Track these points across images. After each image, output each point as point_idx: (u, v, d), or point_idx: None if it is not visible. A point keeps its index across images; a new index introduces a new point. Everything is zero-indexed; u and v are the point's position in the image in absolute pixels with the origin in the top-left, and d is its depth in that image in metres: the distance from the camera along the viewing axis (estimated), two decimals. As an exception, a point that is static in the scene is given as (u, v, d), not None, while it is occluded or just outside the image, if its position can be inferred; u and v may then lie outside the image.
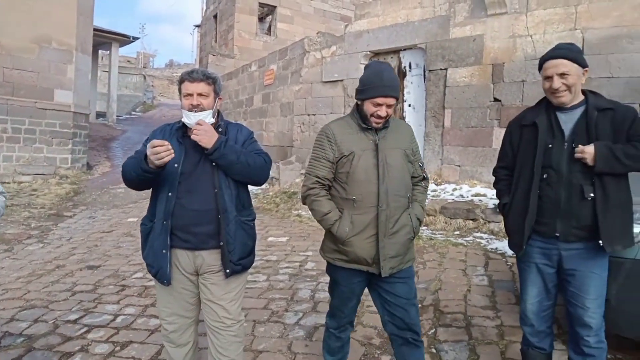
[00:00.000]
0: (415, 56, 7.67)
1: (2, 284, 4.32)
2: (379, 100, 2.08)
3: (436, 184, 6.93)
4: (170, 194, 2.05)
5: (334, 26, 17.37)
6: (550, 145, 2.09)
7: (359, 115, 2.18)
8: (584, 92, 2.13)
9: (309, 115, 9.64)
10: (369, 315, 3.37)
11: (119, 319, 3.45)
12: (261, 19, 18.38)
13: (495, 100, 6.51)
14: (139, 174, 2.01)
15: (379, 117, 2.11)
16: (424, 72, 7.48)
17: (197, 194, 2.05)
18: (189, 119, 2.06)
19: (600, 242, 1.97)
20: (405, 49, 7.78)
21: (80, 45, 10.70)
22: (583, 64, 2.07)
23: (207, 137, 2.00)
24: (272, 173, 9.20)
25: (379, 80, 2.09)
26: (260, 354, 2.88)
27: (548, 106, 2.17)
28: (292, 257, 4.89)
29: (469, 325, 3.11)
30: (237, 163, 2.06)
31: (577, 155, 2.00)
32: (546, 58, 2.12)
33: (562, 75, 2.03)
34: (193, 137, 2.02)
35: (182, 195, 2.05)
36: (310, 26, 17.23)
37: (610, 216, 1.98)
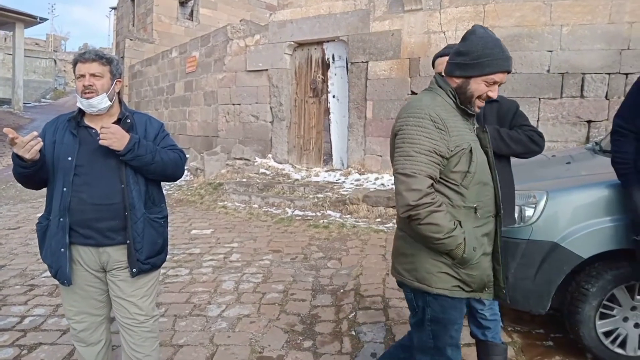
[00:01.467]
0: (338, 48, 7.81)
1: None
2: (498, 77, 1.62)
3: (360, 174, 7.15)
4: (65, 189, 1.93)
5: (260, 14, 17.15)
6: None
7: (458, 95, 1.67)
8: None
9: (233, 104, 9.48)
10: (292, 303, 3.44)
11: (26, 321, 3.22)
12: (182, 3, 17.65)
13: (413, 93, 6.82)
14: (19, 171, 1.89)
15: (488, 99, 1.69)
16: (347, 64, 7.65)
17: (98, 187, 1.95)
18: (82, 103, 1.94)
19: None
20: (328, 41, 7.90)
21: (-24, 24, 9.66)
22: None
23: (117, 140, 1.88)
24: (196, 164, 8.97)
25: (500, 52, 1.60)
26: (180, 348, 2.83)
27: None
28: (216, 249, 4.84)
29: (386, 307, 3.28)
30: (152, 163, 1.97)
31: None
32: (437, 56, 2.34)
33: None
34: (101, 142, 1.88)
35: (81, 189, 1.94)
36: (235, 13, 16.88)
37: (502, 195, 2.20)
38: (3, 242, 5.27)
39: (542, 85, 5.93)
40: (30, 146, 1.79)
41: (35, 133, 1.82)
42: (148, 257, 2.03)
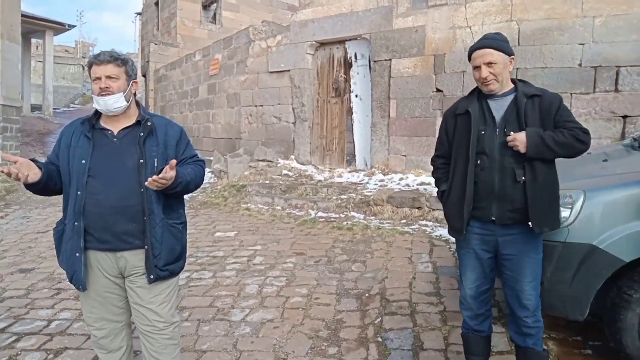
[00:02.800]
0: (361, 47, 7.70)
1: None
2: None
3: (383, 174, 7.02)
4: (79, 192, 1.90)
5: (282, 15, 17.16)
6: (482, 132, 2.16)
7: None
8: (513, 80, 2.21)
9: (256, 106, 9.48)
10: (316, 308, 3.37)
11: (53, 325, 3.25)
12: (206, 7, 17.82)
13: (438, 90, 6.66)
14: (26, 188, 1.88)
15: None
16: (370, 62, 7.53)
17: (114, 189, 1.91)
18: (98, 104, 1.92)
19: (530, 223, 2.06)
20: (350, 39, 7.80)
21: (7, 33, 9.94)
22: (509, 52, 2.14)
23: (167, 182, 1.86)
24: (220, 166, 9.01)
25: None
26: (204, 354, 2.80)
27: (480, 95, 2.24)
28: (240, 252, 4.81)
29: (413, 312, 3.17)
30: (188, 191, 2.01)
31: (510, 142, 2.07)
32: (474, 48, 2.18)
33: (489, 64, 2.10)
34: (153, 187, 1.86)
35: (98, 191, 1.90)
36: (257, 15, 16.92)
37: (538, 199, 2.07)
38: (32, 246, 5.38)
39: (574, 80, 5.69)
40: (23, 174, 1.77)
41: (26, 161, 1.80)
42: (166, 264, 1.99)
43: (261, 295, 3.65)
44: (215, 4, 17.79)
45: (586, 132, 2.11)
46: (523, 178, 2.08)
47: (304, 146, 8.60)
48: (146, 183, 1.83)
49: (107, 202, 1.89)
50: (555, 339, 2.80)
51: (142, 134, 1.96)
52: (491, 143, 2.13)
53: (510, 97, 2.17)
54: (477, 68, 2.14)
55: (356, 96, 7.86)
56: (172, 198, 2.04)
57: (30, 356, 2.82)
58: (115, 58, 1.91)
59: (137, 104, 2.07)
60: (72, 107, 23.15)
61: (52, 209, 7.43)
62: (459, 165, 2.23)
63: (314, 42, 8.26)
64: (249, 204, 7.07)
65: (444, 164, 2.39)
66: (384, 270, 3.98)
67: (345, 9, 7.75)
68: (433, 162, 2.48)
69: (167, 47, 15.98)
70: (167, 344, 2.07)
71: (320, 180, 7.50)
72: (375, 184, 6.74)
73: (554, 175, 2.16)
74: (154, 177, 1.80)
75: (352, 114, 7.95)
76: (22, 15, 11.52)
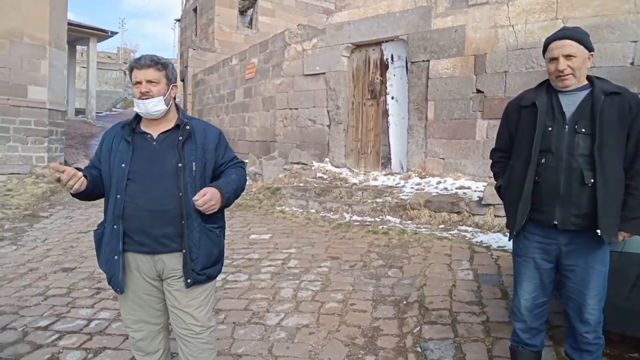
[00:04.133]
0: (397, 48, 7.58)
1: (-29, 289, 4.13)
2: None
3: (420, 177, 6.87)
4: (118, 196, 1.91)
5: (317, 19, 17.20)
6: (549, 128, 1.99)
7: None
8: (589, 77, 2.04)
9: (291, 109, 9.50)
10: (352, 314, 3.28)
11: (92, 324, 3.30)
12: (242, 12, 18.10)
13: (478, 91, 6.46)
14: (72, 194, 1.92)
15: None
16: (406, 64, 7.40)
17: (153, 193, 1.91)
18: (139, 107, 1.93)
19: (598, 231, 1.90)
20: (386, 41, 7.69)
21: (54, 40, 10.36)
22: (590, 47, 1.98)
23: (217, 203, 1.91)
24: (255, 169, 9.06)
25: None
26: (239, 358, 2.77)
27: (549, 88, 2.07)
28: (274, 255, 4.78)
29: (454, 322, 3.04)
30: (237, 197, 2.07)
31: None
32: (552, 39, 2.02)
33: (568, 56, 1.94)
34: (208, 212, 1.91)
35: (137, 194, 1.90)
36: (292, 19, 17.03)
37: (609, 204, 1.91)
38: (74, 246, 5.53)
39: (625, 79, 5.37)
40: (70, 185, 1.82)
41: (73, 171, 1.83)
42: (203, 268, 1.98)
43: (296, 299, 3.60)
44: (251, 9, 18.04)
45: None
46: (592, 180, 1.90)
47: (339, 149, 8.54)
48: (196, 203, 1.85)
49: (145, 206, 1.90)
50: (610, 355, 2.61)
51: (180, 138, 1.96)
52: (559, 140, 1.97)
53: (584, 93, 1.99)
54: (553, 60, 1.98)
55: (392, 98, 7.74)
56: None
57: (71, 355, 2.87)
58: (155, 62, 1.92)
59: (177, 107, 2.07)
60: (114, 111, 23.98)
61: (93, 209, 7.65)
62: (518, 162, 2.08)
63: (349, 45, 8.20)
64: (283, 207, 7.06)
65: (503, 157, 2.25)
66: (422, 277, 3.85)
67: (381, 10, 7.65)
68: (492, 155, 2.36)
69: (205, 52, 16.30)
70: (204, 348, 2.06)
71: (355, 183, 7.41)
72: (412, 188, 6.59)
73: (623, 180, 1.97)
74: (199, 202, 1.84)
75: (387, 116, 7.83)
76: (68, 24, 11.99)
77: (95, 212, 7.46)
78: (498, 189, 2.26)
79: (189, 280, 1.95)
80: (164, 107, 1.95)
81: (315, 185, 7.46)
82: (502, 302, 3.25)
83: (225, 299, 3.65)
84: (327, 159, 8.66)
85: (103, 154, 2.01)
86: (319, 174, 8.14)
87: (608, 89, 1.97)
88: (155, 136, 1.99)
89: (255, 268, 4.37)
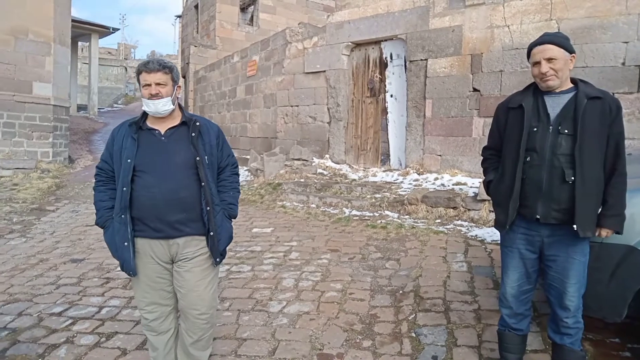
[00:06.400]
0: (396, 47, 7.73)
1: (-15, 279, 4.29)
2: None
3: (418, 174, 7.04)
4: (124, 188, 2.10)
5: (317, 16, 17.31)
6: (535, 129, 2.14)
7: None
8: (573, 80, 2.18)
9: (292, 106, 9.65)
10: (351, 303, 3.46)
11: (103, 311, 3.47)
12: (243, 9, 18.19)
13: (475, 90, 6.62)
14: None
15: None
16: (405, 62, 7.55)
17: (166, 183, 2.11)
18: (149, 106, 2.13)
19: (575, 226, 2.05)
20: (386, 40, 7.84)
21: (59, 37, 10.51)
22: (570, 50, 2.12)
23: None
24: (256, 165, 9.22)
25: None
26: (244, 342, 2.94)
27: (536, 91, 2.22)
28: (276, 247, 4.95)
29: (447, 310, 3.21)
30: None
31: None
32: (534, 44, 2.18)
33: (549, 60, 2.09)
34: None
35: (151, 185, 2.10)
36: (293, 16, 17.14)
37: (586, 202, 2.05)
38: (82, 238, 5.70)
39: (617, 79, 5.54)
40: None
41: None
42: (224, 248, 2.25)
43: (297, 288, 3.78)
44: (252, 7, 18.13)
45: (623, 173, 2.11)
46: (572, 178, 2.05)
47: (339, 145, 8.70)
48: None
49: (160, 195, 2.10)
50: (592, 340, 2.78)
51: (193, 134, 2.18)
52: (543, 141, 2.11)
53: (569, 96, 2.13)
54: (536, 64, 2.13)
55: (391, 96, 7.90)
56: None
57: (85, 338, 3.04)
58: (163, 66, 2.13)
59: (180, 106, 2.28)
60: (115, 107, 24.10)
61: (98, 204, 7.80)
62: (507, 161, 2.24)
63: (349, 43, 8.35)
64: (284, 202, 7.23)
65: (493, 155, 2.41)
66: (418, 269, 4.03)
67: (381, 9, 7.80)
68: (483, 152, 2.51)
69: (206, 49, 16.42)
70: (202, 326, 2.29)
71: (354, 179, 7.58)
72: (410, 184, 6.76)
73: (602, 179, 2.12)
74: None
75: (387, 113, 7.99)
76: (71, 20, 12.12)
77: (100, 206, 7.62)
78: (487, 184, 2.41)
79: (217, 260, 2.22)
80: (172, 106, 2.16)
81: (315, 181, 7.63)
82: (494, 292, 3.42)
83: (229, 288, 3.83)
84: (327, 156, 8.83)
85: (115, 152, 2.20)
86: (320, 170, 8.31)
87: (591, 93, 2.10)
88: (162, 132, 2.19)
89: (258, 260, 4.54)
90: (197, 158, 2.14)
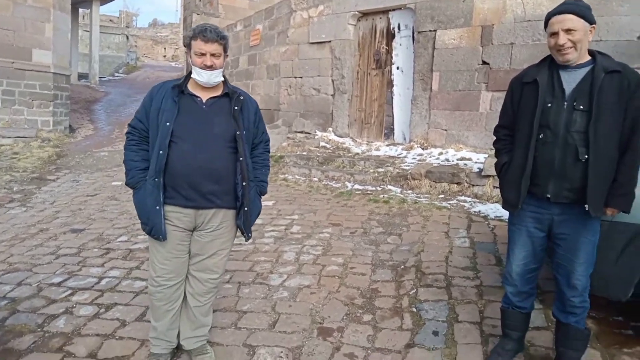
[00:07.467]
0: (405, 17, 7.50)
1: (-15, 247, 4.28)
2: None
3: (422, 148, 6.93)
4: (161, 152, 2.07)
5: (322, -15, 16.82)
6: (549, 104, 2.04)
7: None
8: (591, 52, 2.06)
9: (295, 77, 9.47)
10: (352, 277, 3.43)
11: (103, 282, 3.45)
12: (247, -24, 17.69)
13: (484, 63, 6.44)
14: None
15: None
16: (413, 33, 7.34)
17: (203, 152, 2.08)
18: (201, 76, 2.10)
19: (586, 206, 1.98)
20: (394, 9, 7.60)
21: (58, 3, 10.25)
22: (591, 20, 2.00)
23: None
24: (258, 136, 9.13)
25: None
26: (244, 314, 2.92)
27: (552, 64, 2.10)
28: (277, 220, 4.92)
29: (449, 286, 3.18)
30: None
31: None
32: (552, 13, 2.04)
33: (568, 31, 1.96)
34: None
35: (187, 152, 2.08)
36: (298, -15, 16.66)
37: (598, 181, 1.98)
38: (82, 208, 5.67)
39: (632, 53, 5.35)
40: None
41: None
42: (253, 222, 2.28)
43: (298, 262, 3.75)
44: (256, -27, 17.62)
45: (637, 150, 2.02)
46: (586, 157, 1.97)
47: (342, 119, 8.57)
48: None
49: (195, 163, 2.07)
50: (596, 318, 2.75)
51: (236, 108, 2.16)
52: (557, 117, 2.02)
53: (585, 70, 2.02)
54: (553, 34, 2.01)
55: (397, 68, 7.71)
56: None
57: (84, 309, 3.03)
58: (220, 37, 2.09)
59: (223, 76, 2.23)
60: (117, 76, 23.80)
61: (99, 174, 7.77)
62: (520, 138, 2.15)
63: (356, 12, 8.10)
64: (286, 175, 7.17)
65: (507, 135, 2.30)
66: (420, 244, 3.99)
67: (389, -23, 7.53)
68: (496, 132, 2.40)
69: (209, 17, 16.05)
70: (210, 290, 2.33)
71: (357, 153, 7.49)
72: (414, 158, 6.67)
73: (616, 159, 2.03)
74: None
75: (392, 86, 7.82)
76: (71, -15, 11.80)
77: (101, 176, 7.58)
78: (501, 166, 2.30)
79: (250, 235, 2.25)
80: (222, 78, 2.16)
81: (318, 154, 7.55)
82: (496, 268, 3.39)
83: (230, 260, 3.77)
84: (330, 129, 8.71)
85: (152, 111, 2.15)
86: (322, 143, 8.20)
87: (609, 66, 1.99)
88: (204, 100, 2.16)
89: (259, 232, 4.50)
90: (238, 132, 2.13)
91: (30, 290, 3.31)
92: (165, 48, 32.92)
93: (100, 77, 19.85)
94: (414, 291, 3.14)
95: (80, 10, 20.06)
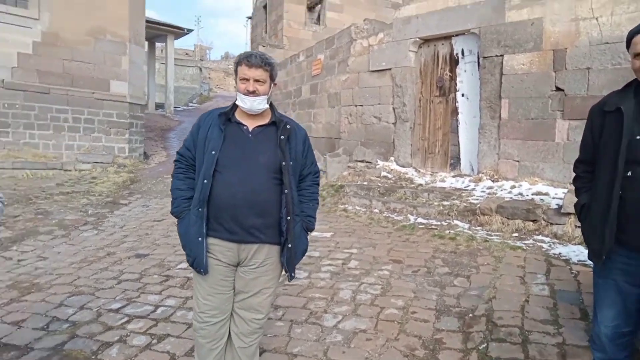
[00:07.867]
0: (468, 42, 7.23)
1: (57, 268, 4.47)
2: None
3: (492, 181, 6.51)
4: (205, 181, 2.00)
5: (385, 14, 16.88)
6: (638, 137, 1.75)
7: None
8: None
9: (356, 106, 9.40)
10: (413, 323, 3.15)
11: (159, 310, 3.45)
12: (310, 9, 18.20)
13: (558, 89, 5.99)
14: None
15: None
16: (478, 59, 7.04)
17: (248, 183, 2.00)
18: (244, 103, 2.03)
19: None
20: (457, 35, 7.36)
21: (134, 37, 11.02)
22: None
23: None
24: (320, 166, 9.08)
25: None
26: (295, 358, 2.75)
27: (638, 90, 1.82)
28: (335, 254, 4.74)
29: (525, 342, 2.81)
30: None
31: None
32: (635, 31, 1.78)
33: None
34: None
35: (232, 183, 2.00)
36: (360, 14, 16.81)
37: None
38: (149, 233, 5.83)
39: None
40: None
41: None
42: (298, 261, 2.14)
43: (355, 302, 3.53)
44: (319, 5, 18.09)
45: None
46: None
47: (405, 148, 8.32)
48: None
49: (242, 195, 1.99)
50: None
51: (282, 137, 2.06)
52: None
53: None
54: (638, 55, 1.75)
55: (462, 95, 7.40)
56: None
57: (137, 339, 3.01)
58: (265, 63, 2.02)
59: (271, 104, 2.16)
60: (191, 106, 25.09)
61: (168, 199, 8.00)
62: (602, 175, 1.86)
63: (417, 39, 7.94)
64: (346, 205, 7.01)
65: (587, 171, 2.02)
66: (491, 289, 3.62)
67: (451, 2, 7.33)
68: (575, 168, 2.12)
69: (273, 48, 16.59)
70: (255, 330, 2.19)
71: (420, 184, 7.18)
72: (483, 191, 6.26)
73: None
74: None
75: (457, 114, 7.50)
76: (147, 22, 12.70)
77: (169, 202, 7.82)
78: (580, 207, 2.02)
79: (293, 275, 2.10)
80: (266, 105, 2.07)
81: (379, 184, 7.33)
82: (581, 324, 2.97)
83: (283, 295, 3.66)
84: (392, 158, 8.48)
85: (199, 140, 2.10)
86: (384, 173, 7.98)
87: None
88: (250, 129, 2.09)
89: (316, 266, 4.34)
90: (284, 163, 2.02)
91: (90, 315, 3.37)
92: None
93: (175, 107, 20.99)
94: (484, 345, 2.80)
95: (158, 44, 21.51)
